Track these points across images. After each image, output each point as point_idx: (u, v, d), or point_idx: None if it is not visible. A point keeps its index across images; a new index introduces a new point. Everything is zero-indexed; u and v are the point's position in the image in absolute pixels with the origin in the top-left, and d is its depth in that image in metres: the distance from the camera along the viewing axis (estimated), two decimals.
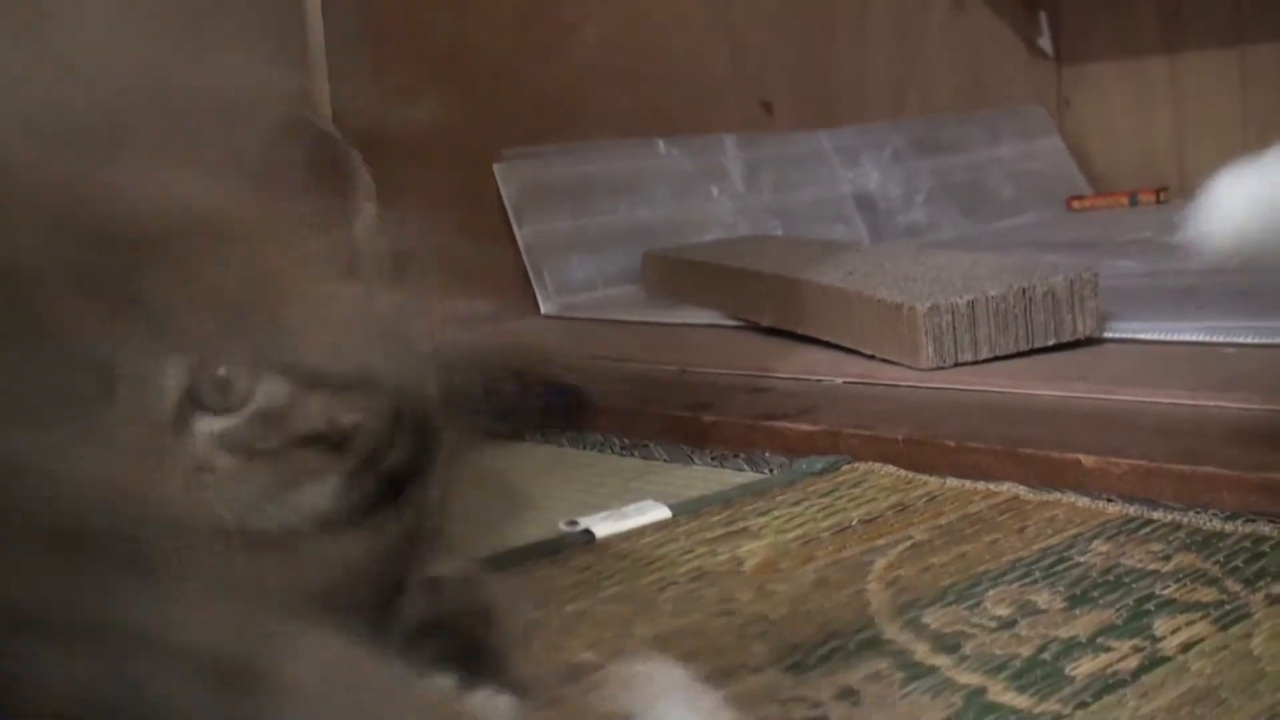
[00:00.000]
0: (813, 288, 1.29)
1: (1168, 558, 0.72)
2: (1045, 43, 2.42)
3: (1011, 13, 2.38)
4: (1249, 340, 1.13)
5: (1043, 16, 2.42)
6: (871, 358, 1.20)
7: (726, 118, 1.93)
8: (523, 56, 1.72)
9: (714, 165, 1.89)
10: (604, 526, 0.86)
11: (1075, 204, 2.26)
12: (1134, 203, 2.22)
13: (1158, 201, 2.21)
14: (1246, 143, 2.39)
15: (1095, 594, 0.68)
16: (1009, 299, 1.14)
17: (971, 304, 1.13)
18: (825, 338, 1.27)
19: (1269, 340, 1.13)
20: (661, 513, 0.89)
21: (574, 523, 0.87)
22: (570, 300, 1.69)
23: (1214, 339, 1.15)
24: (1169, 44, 2.30)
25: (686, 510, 0.88)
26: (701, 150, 1.88)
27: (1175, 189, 2.25)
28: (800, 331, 1.31)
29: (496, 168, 1.70)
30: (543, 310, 1.68)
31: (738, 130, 1.93)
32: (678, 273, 1.64)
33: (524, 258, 1.69)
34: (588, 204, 1.76)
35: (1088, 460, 0.87)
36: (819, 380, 1.18)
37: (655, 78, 1.85)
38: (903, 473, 0.92)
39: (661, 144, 1.85)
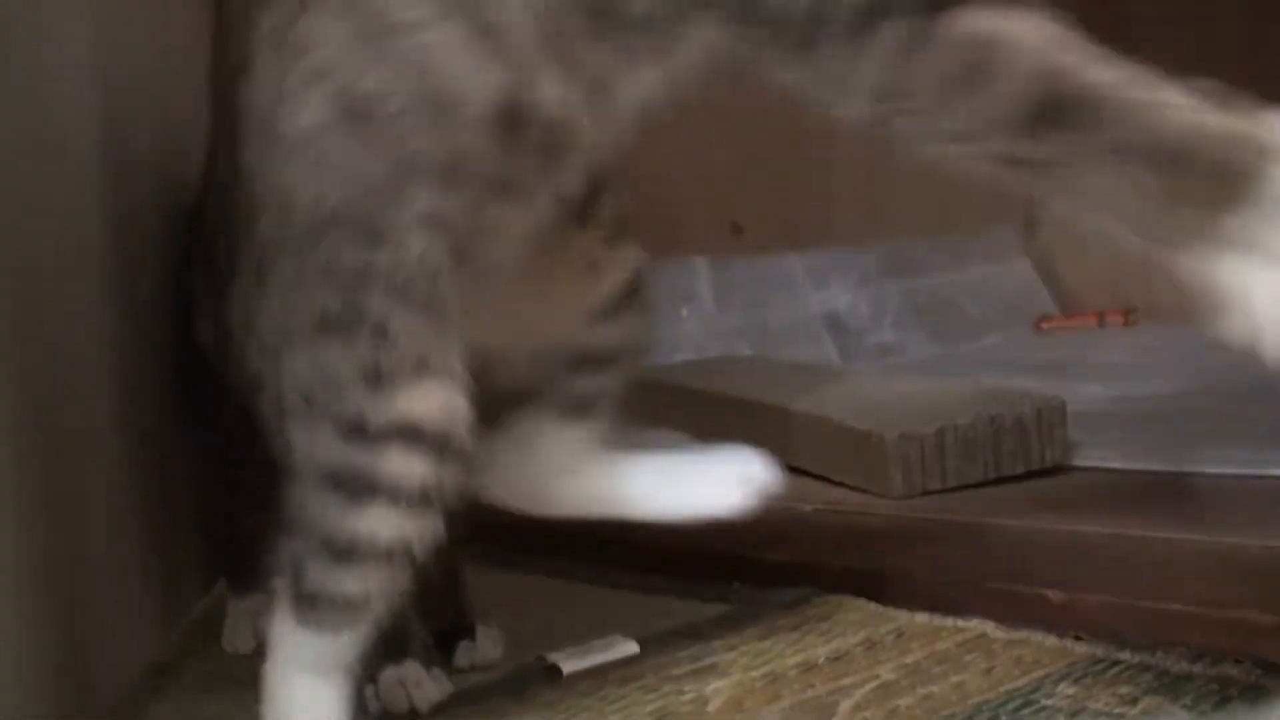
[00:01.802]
0: (782, 413, 1.29)
1: (1134, 700, 0.71)
2: None
3: None
4: (1218, 470, 1.14)
5: None
6: (841, 485, 1.20)
7: (697, 239, 1.94)
8: None
9: (684, 286, 1.90)
10: (571, 663, 0.86)
11: (1044, 325, 2.27)
12: (1102, 324, 2.23)
13: (1125, 323, 2.23)
14: None
15: None
16: (977, 428, 1.15)
17: (940, 433, 1.14)
18: (794, 464, 1.27)
19: (1238, 470, 1.13)
20: (630, 648, 0.88)
21: (541, 657, 0.87)
22: None
23: (1182, 468, 1.15)
24: None
25: (655, 645, 0.88)
26: (672, 272, 1.89)
27: (1143, 310, 2.27)
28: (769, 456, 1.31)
29: None
30: None
31: (708, 251, 1.94)
32: (646, 394, 1.63)
33: None
34: None
35: (1055, 596, 0.87)
36: (789, 508, 1.18)
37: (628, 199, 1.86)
38: (872, 606, 0.91)
39: None
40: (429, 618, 0.89)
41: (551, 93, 0.68)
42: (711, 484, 0.83)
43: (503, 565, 1.15)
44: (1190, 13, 2.15)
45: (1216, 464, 1.14)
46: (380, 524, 0.69)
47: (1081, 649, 0.80)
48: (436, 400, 0.69)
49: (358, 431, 0.68)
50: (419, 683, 0.84)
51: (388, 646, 0.84)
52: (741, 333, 1.91)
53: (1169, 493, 1.10)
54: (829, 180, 2.14)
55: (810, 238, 2.08)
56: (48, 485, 0.74)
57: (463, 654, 0.91)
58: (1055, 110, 0.60)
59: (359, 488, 0.69)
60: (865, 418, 1.18)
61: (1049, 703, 0.72)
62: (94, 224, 0.86)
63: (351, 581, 0.70)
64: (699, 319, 1.89)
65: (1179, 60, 0.66)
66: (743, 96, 2.11)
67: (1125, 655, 0.78)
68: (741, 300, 1.94)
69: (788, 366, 1.67)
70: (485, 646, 0.92)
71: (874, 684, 0.77)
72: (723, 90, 2.11)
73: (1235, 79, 0.64)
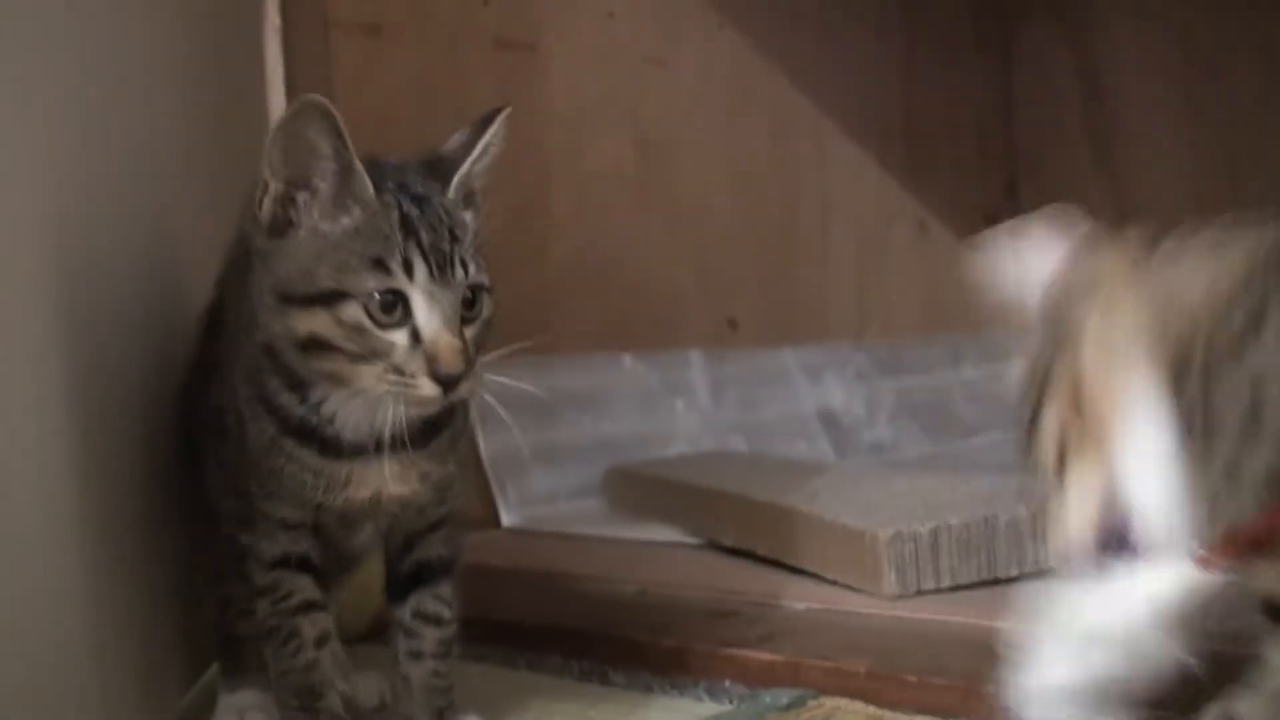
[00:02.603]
0: (775, 509, 1.29)
1: None
2: None
3: (974, 236, 2.42)
4: None
5: None
6: (834, 583, 1.19)
7: (692, 333, 1.95)
8: (496, 267, 1.73)
9: (679, 380, 1.90)
10: None
11: None
12: None
13: None
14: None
15: None
16: (972, 528, 1.14)
17: (934, 532, 1.13)
18: (788, 561, 1.26)
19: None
20: None
21: None
22: (532, 513, 1.68)
23: None
24: None
25: None
26: (667, 365, 1.89)
27: None
28: (762, 553, 1.30)
29: None
30: (504, 522, 1.66)
31: (703, 346, 1.95)
32: (640, 489, 1.63)
33: (486, 469, 1.69)
34: (552, 417, 1.76)
35: None
36: (781, 605, 1.17)
37: (622, 292, 1.87)
38: (870, 709, 0.90)
39: (628, 358, 1.86)
40: None
41: None
42: None
43: (492, 660, 1.14)
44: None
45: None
46: None
47: None
48: None
49: None
50: None
51: None
52: (736, 427, 1.91)
53: None
54: (823, 278, 2.16)
55: (805, 334, 2.08)
56: (24, 571, 0.73)
57: None
58: None
59: None
60: (859, 516, 1.18)
61: None
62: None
63: None
64: (694, 413, 1.89)
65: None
66: (741, 194, 2.15)
67: None
68: (736, 395, 1.94)
69: (782, 462, 1.66)
70: None
71: None
72: (720, 189, 2.14)
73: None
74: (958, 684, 0.90)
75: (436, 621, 0.92)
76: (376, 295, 0.79)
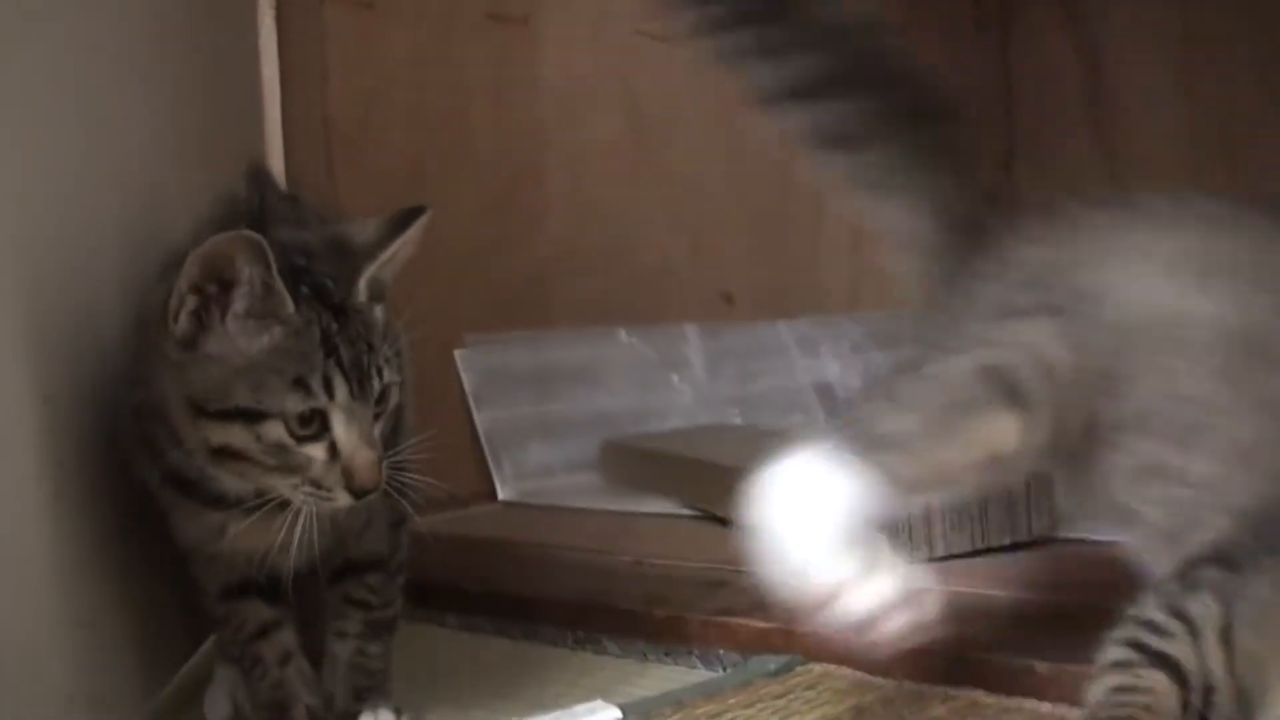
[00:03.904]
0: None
1: None
2: None
3: None
4: None
5: None
6: None
7: (688, 307, 1.95)
8: (489, 246, 1.74)
9: (675, 354, 1.90)
10: None
11: None
12: None
13: None
14: None
15: None
16: (965, 499, 1.14)
17: (928, 503, 1.13)
18: None
19: None
20: (611, 714, 0.87)
21: None
22: (528, 487, 1.68)
23: None
24: None
25: (637, 711, 0.87)
26: (663, 339, 1.90)
27: None
28: None
29: (458, 354, 1.71)
30: (500, 496, 1.67)
31: (699, 320, 1.95)
32: (636, 461, 1.64)
33: (483, 443, 1.69)
34: (548, 391, 1.77)
35: (1041, 667, 0.86)
36: None
37: (618, 268, 1.87)
38: (859, 675, 0.91)
39: (623, 333, 1.86)
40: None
41: None
42: None
43: (488, 631, 1.14)
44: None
45: None
46: None
47: (1076, 716, 0.80)
48: None
49: None
50: None
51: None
52: (732, 401, 1.91)
53: None
54: (817, 252, 2.16)
55: (800, 307, 2.09)
56: (27, 545, 0.74)
57: None
58: None
59: None
60: None
61: None
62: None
63: None
64: (689, 387, 1.89)
65: None
66: (735, 169, 2.14)
67: None
68: (732, 368, 1.94)
69: (777, 433, 1.66)
70: None
71: None
72: (715, 163, 2.14)
73: None
74: (948, 650, 0.90)
75: (363, 606, 0.92)
76: (298, 414, 0.78)
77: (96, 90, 0.92)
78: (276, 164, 1.50)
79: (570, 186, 1.84)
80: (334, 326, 0.80)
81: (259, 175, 0.91)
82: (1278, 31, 2.16)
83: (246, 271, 0.78)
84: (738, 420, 1.88)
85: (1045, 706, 0.82)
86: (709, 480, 1.41)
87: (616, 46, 1.92)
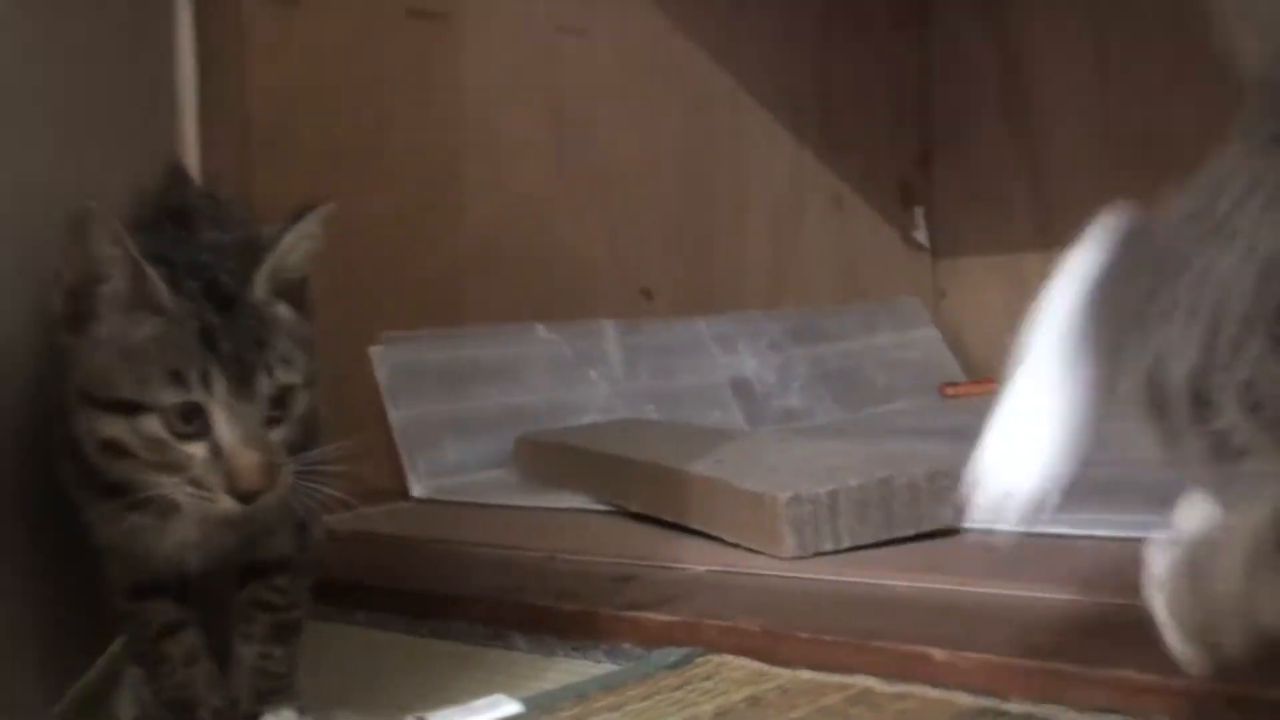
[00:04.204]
0: (680, 475, 1.30)
1: None
2: (921, 236, 2.50)
3: (888, 209, 2.45)
4: (1104, 534, 1.15)
5: (919, 212, 2.50)
6: (736, 546, 1.20)
7: (607, 304, 1.96)
8: (408, 243, 1.74)
9: (593, 350, 1.91)
10: None
11: (948, 391, 2.30)
12: None
13: None
14: None
15: None
16: (869, 489, 1.16)
17: (833, 494, 1.15)
18: (692, 525, 1.28)
19: (1124, 534, 1.14)
20: (513, 708, 0.88)
21: (421, 718, 0.86)
22: (442, 484, 1.68)
23: (1069, 531, 1.17)
24: (1042, 241, 2.38)
25: (538, 705, 0.87)
26: (581, 335, 1.90)
27: None
28: (668, 519, 1.32)
29: (373, 351, 1.71)
30: (414, 493, 1.66)
31: (618, 316, 1.95)
32: (549, 457, 1.64)
33: (397, 441, 1.69)
34: (464, 388, 1.77)
35: (937, 654, 0.87)
36: (683, 569, 1.18)
37: (537, 265, 1.88)
38: (756, 665, 0.91)
39: (541, 328, 1.86)
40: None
41: None
42: None
43: (398, 629, 1.14)
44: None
45: (1102, 528, 1.16)
46: None
47: (966, 700, 0.81)
48: None
49: None
50: None
51: None
52: (650, 396, 1.92)
53: (1055, 555, 1.12)
54: (739, 250, 2.17)
55: (719, 304, 2.10)
56: None
57: None
58: None
59: None
60: (759, 480, 1.19)
61: None
62: None
63: None
64: (607, 382, 1.90)
65: None
66: (656, 166, 2.15)
67: (1010, 706, 0.79)
68: (650, 364, 1.95)
69: (690, 430, 1.67)
70: None
71: None
72: (636, 161, 2.15)
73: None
74: (848, 640, 0.91)
75: (269, 608, 0.91)
76: (174, 407, 0.76)
77: None
78: (193, 161, 1.49)
79: (490, 183, 1.84)
80: (217, 321, 0.78)
81: (176, 173, 0.90)
82: (1194, 29, 2.19)
83: (106, 249, 0.77)
84: (655, 416, 1.89)
85: (935, 693, 0.83)
86: (622, 475, 1.42)
87: (538, 44, 1.92)
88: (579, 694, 0.89)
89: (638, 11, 2.05)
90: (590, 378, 1.88)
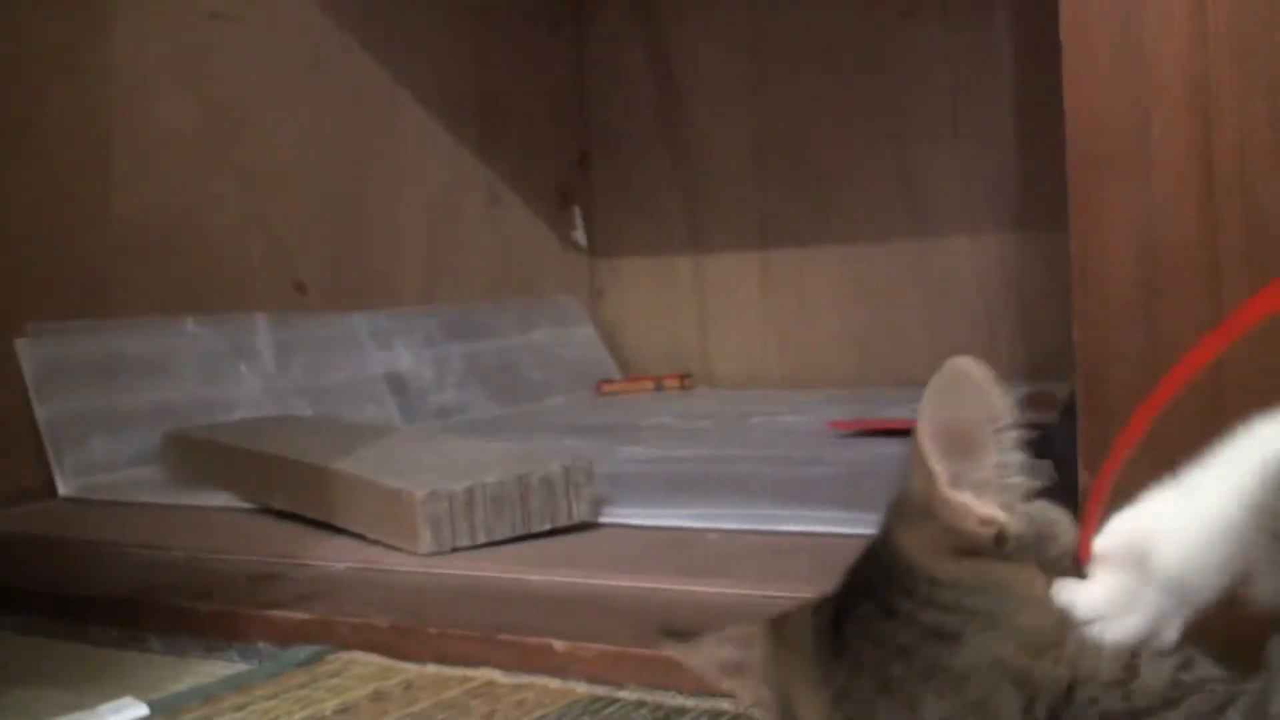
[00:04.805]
0: (322, 472, 1.31)
1: None
2: (580, 237, 2.55)
3: (546, 208, 2.50)
4: (731, 526, 1.21)
5: (576, 212, 2.56)
6: (376, 543, 1.22)
7: (259, 297, 1.94)
8: (52, 229, 1.69)
9: (244, 344, 1.89)
10: None
11: (605, 388, 2.37)
12: (659, 388, 2.35)
13: (682, 387, 2.36)
14: (764, 336, 2.57)
15: None
16: (506, 485, 1.19)
17: (470, 490, 1.17)
18: (333, 522, 1.29)
19: (750, 526, 1.21)
20: (139, 710, 0.87)
21: None
22: (90, 481, 1.64)
23: (699, 524, 1.23)
24: (695, 245, 2.47)
25: (164, 708, 0.87)
26: (232, 329, 1.88)
27: (698, 375, 2.41)
28: (311, 516, 1.32)
29: (18, 343, 1.65)
30: (60, 492, 1.62)
31: (270, 310, 1.94)
32: (196, 454, 1.62)
33: (43, 437, 1.64)
34: (113, 382, 1.72)
35: (559, 645, 0.91)
36: (323, 566, 1.19)
37: (186, 255, 1.85)
38: (384, 661, 0.93)
39: (191, 322, 1.83)
40: None
41: None
42: None
43: (40, 632, 1.12)
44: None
45: (730, 521, 1.22)
46: None
47: (583, 690, 0.85)
48: None
49: None
50: None
51: None
52: (302, 392, 1.91)
53: (684, 548, 1.17)
54: (394, 245, 2.18)
55: (375, 299, 2.11)
56: None
57: None
58: None
59: None
60: (398, 476, 1.21)
61: None
62: None
63: None
64: (258, 378, 1.88)
65: None
66: (312, 158, 2.14)
67: (624, 694, 0.84)
68: (303, 359, 1.94)
69: (338, 426, 1.68)
70: None
71: None
72: (291, 152, 2.13)
73: None
74: (474, 634, 0.94)
75: None
76: None
77: None
78: None
79: (138, 171, 1.80)
80: None
81: None
82: (841, 50, 2.31)
83: None
84: (308, 412, 1.88)
85: (555, 683, 0.87)
86: (267, 473, 1.42)
87: (190, 30, 1.89)
88: (206, 695, 0.89)
89: (296, 2, 2.03)
90: (241, 372, 1.86)
